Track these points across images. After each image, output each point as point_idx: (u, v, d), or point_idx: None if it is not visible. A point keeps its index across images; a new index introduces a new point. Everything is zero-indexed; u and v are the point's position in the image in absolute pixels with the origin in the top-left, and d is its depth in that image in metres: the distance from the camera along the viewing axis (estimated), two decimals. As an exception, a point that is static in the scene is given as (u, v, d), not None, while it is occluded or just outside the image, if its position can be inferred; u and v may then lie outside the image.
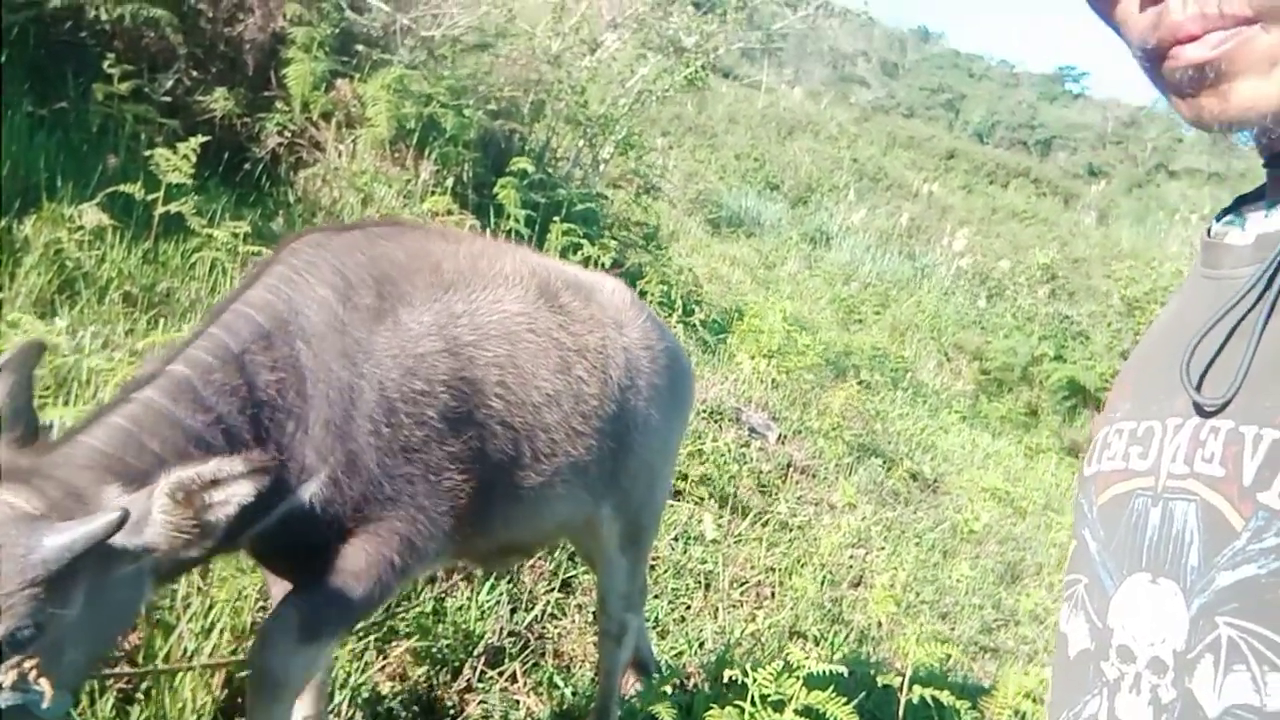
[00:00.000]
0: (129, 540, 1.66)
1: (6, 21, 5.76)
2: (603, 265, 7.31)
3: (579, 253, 7.20)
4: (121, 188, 4.63)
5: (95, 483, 1.70)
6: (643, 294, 7.51)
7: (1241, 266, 0.91)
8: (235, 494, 1.71)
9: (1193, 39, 0.82)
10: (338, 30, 7.04)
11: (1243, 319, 0.87)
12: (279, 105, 6.76)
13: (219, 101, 6.49)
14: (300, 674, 2.15)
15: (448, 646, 3.24)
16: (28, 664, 1.55)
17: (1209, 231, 1.00)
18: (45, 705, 1.56)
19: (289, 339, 2.07)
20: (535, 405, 2.42)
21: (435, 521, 2.22)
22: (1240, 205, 0.98)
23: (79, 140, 5.69)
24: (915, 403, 10.39)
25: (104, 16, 6.27)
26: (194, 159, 4.85)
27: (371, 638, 3.09)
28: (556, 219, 7.09)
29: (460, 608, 3.41)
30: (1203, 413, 0.87)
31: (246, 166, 6.62)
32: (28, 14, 5.98)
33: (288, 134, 6.77)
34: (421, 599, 3.36)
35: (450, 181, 6.93)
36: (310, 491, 2.05)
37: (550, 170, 8.08)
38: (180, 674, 2.50)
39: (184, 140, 4.96)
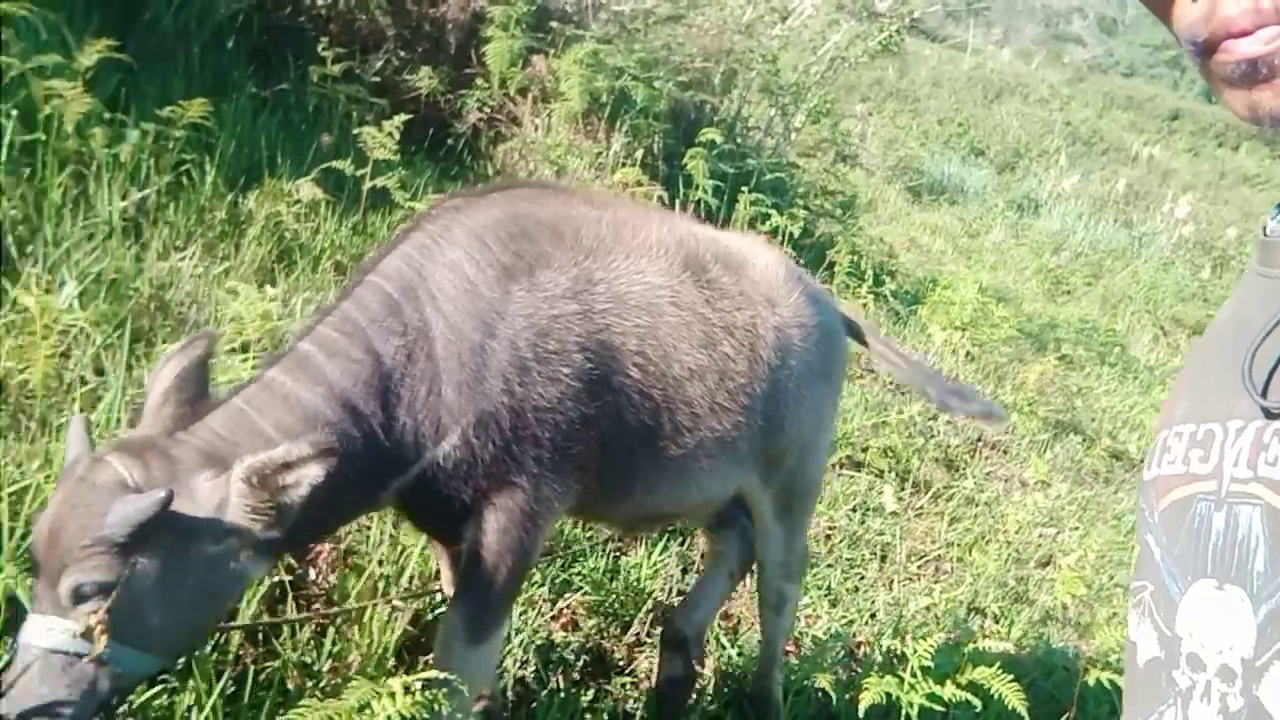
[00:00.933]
0: (213, 521, 1.84)
1: (231, 9, 6.22)
2: (791, 235, 7.31)
3: (767, 222, 7.21)
4: (334, 164, 4.97)
5: (196, 464, 1.86)
6: (831, 264, 7.47)
7: None
8: (306, 475, 1.83)
9: (1245, 34, 0.82)
10: (534, 8, 7.26)
11: None
12: (479, 82, 7.03)
13: (424, 80, 6.82)
14: (482, 669, 2.32)
15: (619, 602, 3.38)
16: (94, 618, 1.73)
17: (1265, 229, 0.98)
18: (98, 653, 1.74)
19: (418, 305, 2.16)
20: (676, 378, 2.43)
21: (564, 485, 2.29)
22: None
23: (298, 120, 6.11)
24: (1124, 379, 9.89)
25: (320, 2, 6.70)
26: (398, 136, 5.13)
27: (546, 588, 3.25)
28: (745, 189, 7.11)
29: (635, 565, 3.54)
30: (1266, 415, 0.86)
31: (449, 142, 6.94)
32: (251, 1, 6.44)
33: (487, 110, 7.05)
34: (597, 556, 3.50)
35: (640, 153, 7.05)
36: (444, 451, 2.15)
37: (740, 140, 8.10)
38: (369, 612, 2.71)
39: (389, 119, 5.27)
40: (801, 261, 7.56)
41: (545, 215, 2.39)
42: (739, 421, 2.60)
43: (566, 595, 3.31)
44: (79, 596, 1.75)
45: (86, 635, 1.74)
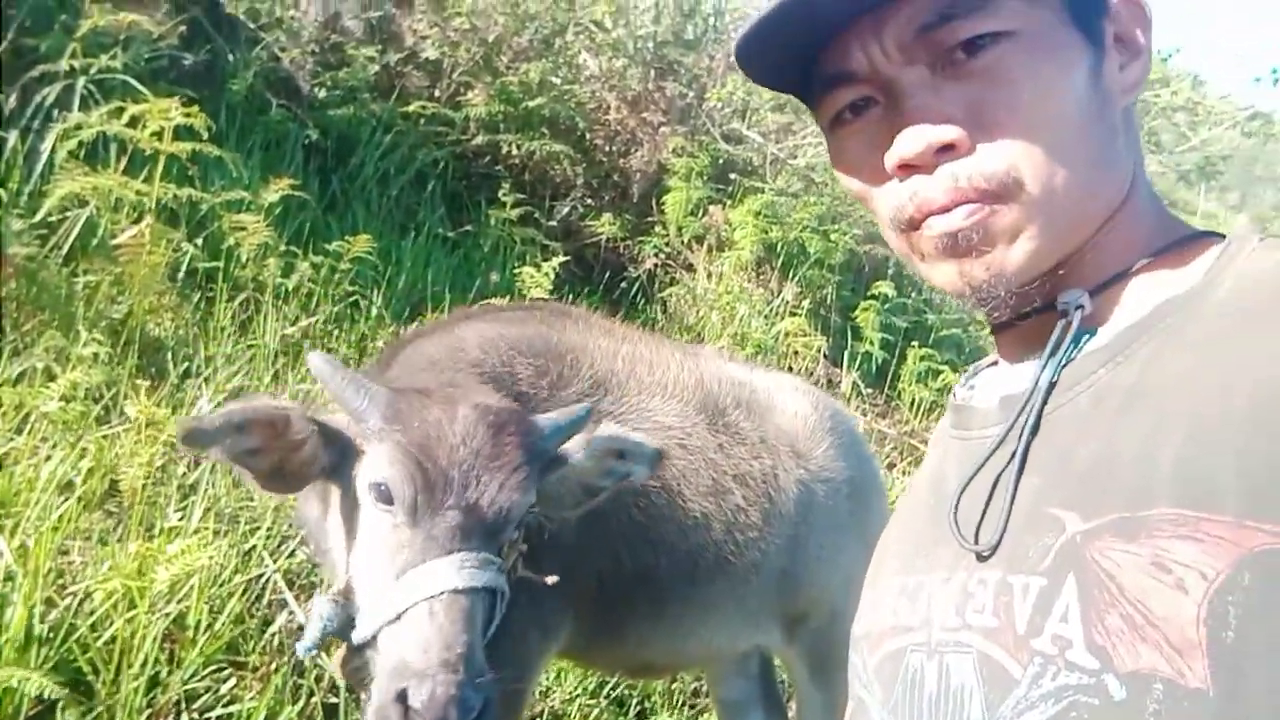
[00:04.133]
0: (570, 470, 1.88)
1: (431, 156, 6.72)
2: (964, 394, 7.07)
3: (939, 379, 7.02)
4: (492, 301, 5.20)
5: None
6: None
7: (990, 426, 0.99)
8: (636, 472, 1.91)
9: (945, 210, 0.93)
10: (719, 161, 7.48)
11: (1000, 475, 0.93)
12: (657, 229, 7.26)
13: (605, 226, 7.10)
14: None
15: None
16: (518, 545, 1.73)
17: (955, 394, 1.11)
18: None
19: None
20: (681, 525, 2.33)
21: (553, 623, 2.19)
22: (978, 372, 1.12)
23: (476, 258, 6.46)
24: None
25: (515, 152, 7.13)
26: (553, 276, 5.35)
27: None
28: (916, 344, 6.97)
29: (708, 725, 3.39)
30: (978, 559, 0.91)
31: (623, 285, 7.14)
32: (452, 149, 6.95)
33: (662, 256, 7.24)
34: (671, 711, 3.38)
35: (809, 303, 7.04)
36: None
37: (919, 294, 7.96)
38: None
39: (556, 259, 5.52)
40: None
41: (560, 339, 2.39)
42: (748, 578, 2.46)
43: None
44: (509, 521, 1.69)
45: (506, 569, 1.68)
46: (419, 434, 1.67)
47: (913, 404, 6.99)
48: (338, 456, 1.76)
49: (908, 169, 0.93)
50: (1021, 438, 0.92)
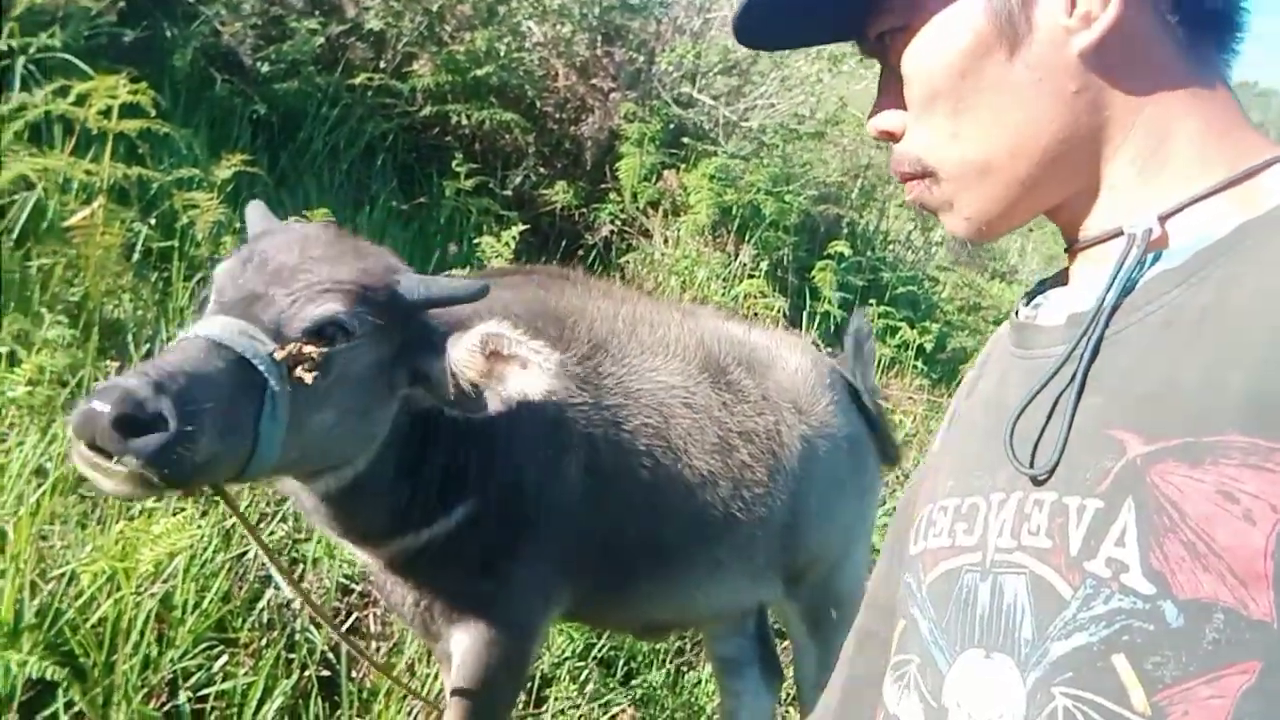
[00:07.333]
0: (430, 358, 1.80)
1: (380, 129, 6.62)
2: (923, 349, 7.15)
3: (897, 335, 7.08)
4: (452, 272, 5.15)
5: None
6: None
7: (1054, 346, 0.96)
8: (528, 384, 1.73)
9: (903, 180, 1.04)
10: (669, 125, 7.44)
11: (1060, 395, 0.91)
12: (612, 196, 7.22)
13: (559, 194, 7.05)
14: None
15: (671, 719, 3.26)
16: (309, 349, 1.63)
17: (1017, 313, 1.07)
18: (280, 406, 1.59)
19: None
20: (688, 484, 2.31)
21: (557, 589, 2.18)
22: (1044, 289, 1.08)
23: (432, 230, 6.39)
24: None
25: (465, 122, 7.05)
26: (514, 245, 5.31)
27: (596, 704, 3.16)
28: (874, 301, 7.02)
29: (697, 683, 3.41)
30: (1034, 483, 0.90)
31: (580, 253, 7.11)
32: (401, 121, 6.85)
33: (618, 222, 7.21)
34: (657, 668, 3.39)
35: (767, 265, 7.06)
36: (457, 518, 2.04)
37: (874, 253, 8.01)
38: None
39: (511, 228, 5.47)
40: (934, 376, 7.37)
41: (560, 303, 2.36)
42: (755, 534, 2.46)
43: (616, 706, 3.21)
44: (321, 328, 1.66)
45: (286, 365, 1.62)
46: (264, 241, 1.76)
47: (872, 361, 7.07)
48: None
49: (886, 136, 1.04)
50: (1083, 358, 0.89)
